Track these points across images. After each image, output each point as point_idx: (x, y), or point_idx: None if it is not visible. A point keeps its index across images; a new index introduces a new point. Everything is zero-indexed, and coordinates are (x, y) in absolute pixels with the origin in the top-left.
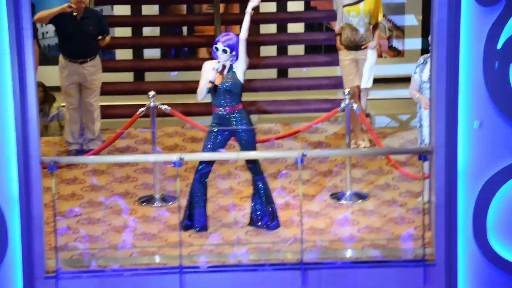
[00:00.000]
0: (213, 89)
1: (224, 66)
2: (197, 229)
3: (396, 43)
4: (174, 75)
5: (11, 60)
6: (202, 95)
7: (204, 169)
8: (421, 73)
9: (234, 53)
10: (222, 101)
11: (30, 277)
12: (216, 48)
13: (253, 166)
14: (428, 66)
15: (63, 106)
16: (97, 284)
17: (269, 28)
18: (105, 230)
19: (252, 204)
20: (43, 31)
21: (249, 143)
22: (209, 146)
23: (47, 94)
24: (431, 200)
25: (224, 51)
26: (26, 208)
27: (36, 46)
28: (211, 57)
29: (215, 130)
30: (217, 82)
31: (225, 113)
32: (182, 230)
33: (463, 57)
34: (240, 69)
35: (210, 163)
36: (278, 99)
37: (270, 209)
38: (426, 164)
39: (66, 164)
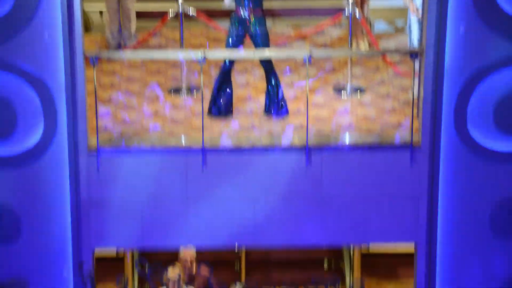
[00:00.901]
0: None
1: None
2: (224, 113)
3: None
4: None
5: None
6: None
7: (228, 65)
8: None
9: None
10: (245, 4)
11: (76, 153)
12: None
13: (266, 63)
14: None
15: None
16: (132, 160)
17: None
18: (139, 115)
19: (266, 96)
20: None
21: (263, 42)
22: (230, 44)
23: None
24: (419, 93)
25: None
26: (72, 95)
27: None
28: None
29: (235, 30)
30: None
31: (246, 14)
32: (210, 115)
33: None
34: None
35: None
36: (292, 6)
37: (281, 100)
38: (416, 62)
39: (106, 58)
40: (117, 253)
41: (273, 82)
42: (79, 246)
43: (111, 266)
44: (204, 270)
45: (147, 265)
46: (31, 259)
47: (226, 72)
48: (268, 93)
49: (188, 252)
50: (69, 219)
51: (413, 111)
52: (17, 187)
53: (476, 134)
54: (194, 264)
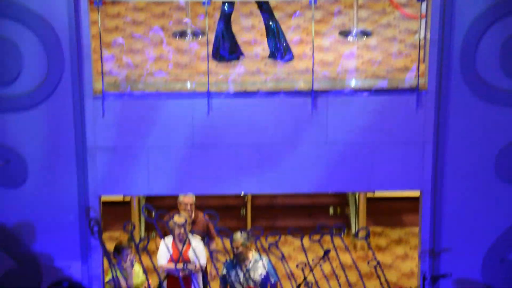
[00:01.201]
0: None
1: None
2: (232, 56)
3: None
4: None
5: None
6: None
7: (228, 8)
8: None
9: None
10: None
11: (81, 97)
12: None
13: (266, 10)
14: None
15: None
16: (137, 105)
17: None
18: (144, 59)
19: (268, 42)
20: None
21: None
22: None
23: None
24: (426, 36)
25: None
26: (77, 37)
27: None
28: None
29: None
30: None
31: None
32: (216, 60)
33: None
34: None
35: (232, 2)
36: None
37: (284, 46)
38: (423, 4)
39: (110, 0)
40: (123, 197)
41: (274, 30)
42: (86, 192)
43: (117, 211)
44: (206, 216)
45: (153, 211)
46: (38, 203)
47: (228, 15)
48: (271, 38)
49: (187, 197)
50: (75, 164)
51: (420, 54)
52: (23, 131)
53: (483, 78)
54: (193, 210)
